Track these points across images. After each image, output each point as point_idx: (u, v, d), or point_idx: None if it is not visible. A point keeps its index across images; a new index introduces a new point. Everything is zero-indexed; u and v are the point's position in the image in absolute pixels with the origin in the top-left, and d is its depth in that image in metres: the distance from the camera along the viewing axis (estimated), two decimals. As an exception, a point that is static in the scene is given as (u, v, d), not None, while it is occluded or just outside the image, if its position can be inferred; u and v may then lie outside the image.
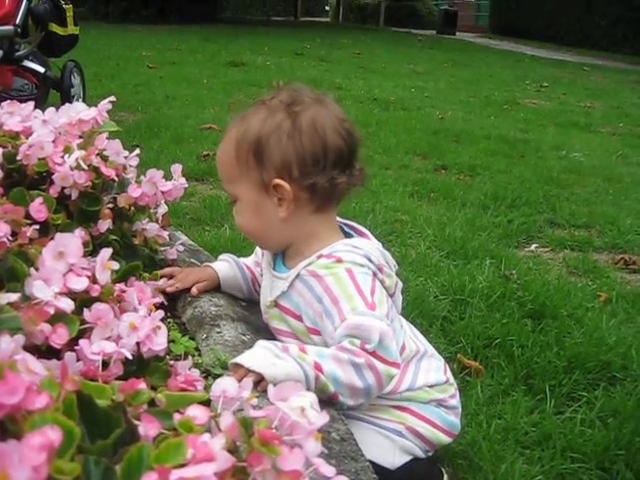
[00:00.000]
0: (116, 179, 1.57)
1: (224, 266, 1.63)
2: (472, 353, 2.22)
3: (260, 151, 1.33)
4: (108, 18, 21.10)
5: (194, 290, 1.57)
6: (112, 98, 1.71)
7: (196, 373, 1.17)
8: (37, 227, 1.33)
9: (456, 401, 1.55)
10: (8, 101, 1.64)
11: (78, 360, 1.02)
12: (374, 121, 6.32)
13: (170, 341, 1.23)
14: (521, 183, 4.43)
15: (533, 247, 3.40)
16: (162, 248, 1.72)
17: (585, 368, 2.16)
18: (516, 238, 3.44)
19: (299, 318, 1.38)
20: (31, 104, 1.65)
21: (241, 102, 6.89)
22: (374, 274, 1.34)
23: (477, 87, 10.02)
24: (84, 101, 6.22)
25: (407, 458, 1.44)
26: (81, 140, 1.58)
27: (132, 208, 1.57)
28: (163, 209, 1.77)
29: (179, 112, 6.21)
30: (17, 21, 5.34)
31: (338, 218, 1.48)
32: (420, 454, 1.47)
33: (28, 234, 1.29)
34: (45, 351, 1.00)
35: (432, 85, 9.87)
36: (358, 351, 1.22)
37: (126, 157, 1.62)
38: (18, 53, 5.64)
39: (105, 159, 1.56)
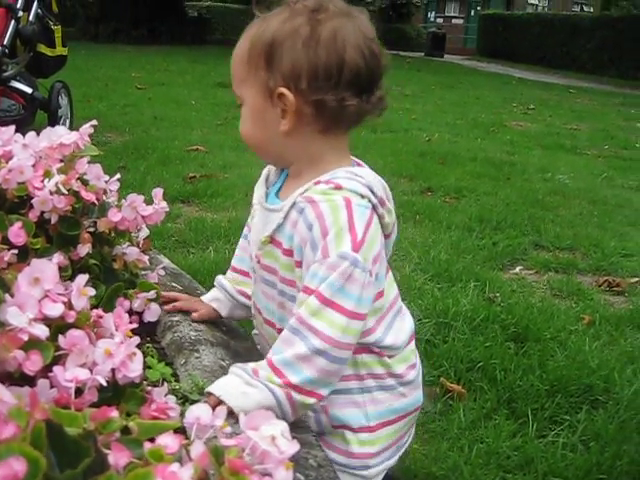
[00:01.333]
0: (96, 203, 1.57)
1: (220, 305, 1.58)
2: (455, 377, 2.22)
3: (271, 54, 1.21)
4: (98, 38, 21.19)
5: (195, 315, 1.55)
6: (94, 122, 1.71)
7: (172, 399, 1.16)
8: (16, 252, 1.33)
9: (416, 371, 1.38)
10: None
11: (52, 387, 1.01)
12: (361, 144, 6.34)
13: (147, 367, 1.22)
14: (506, 205, 4.46)
15: (517, 269, 3.42)
16: (143, 272, 1.71)
17: (568, 391, 2.17)
18: (501, 260, 3.45)
19: (290, 253, 1.26)
20: (12, 128, 1.64)
21: (229, 124, 6.93)
22: (374, 207, 1.22)
23: (464, 109, 10.09)
24: (71, 122, 6.24)
25: None
26: (62, 164, 1.58)
27: (112, 232, 1.57)
28: (144, 233, 1.76)
29: (166, 133, 6.23)
30: (5, 42, 5.36)
31: None
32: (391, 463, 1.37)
33: (6, 259, 1.28)
34: (18, 378, 1.00)
35: (420, 107, 9.94)
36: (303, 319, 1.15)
37: (107, 181, 1.61)
38: (5, 74, 5.65)
39: (85, 183, 1.55)
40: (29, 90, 5.78)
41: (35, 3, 5.75)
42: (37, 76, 6.13)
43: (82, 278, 1.14)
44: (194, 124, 6.89)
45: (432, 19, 43.00)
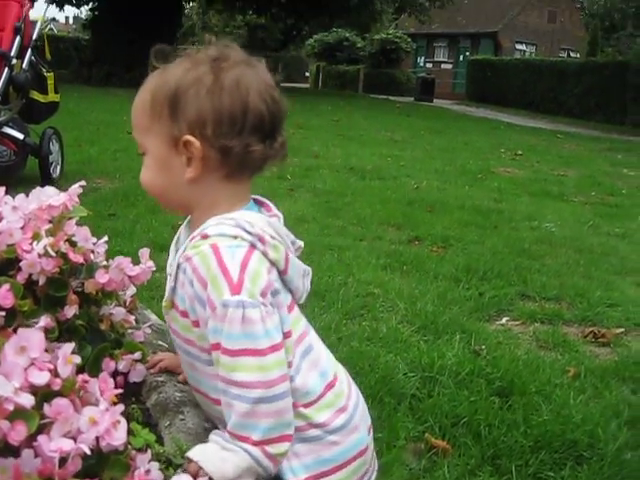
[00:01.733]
0: (84, 263, 1.59)
1: None
2: (440, 432, 2.23)
3: (176, 102, 1.22)
4: (91, 81, 21.39)
5: (181, 378, 1.52)
6: (82, 183, 1.73)
7: (156, 466, 1.18)
8: (3, 314, 1.34)
9: (347, 414, 1.29)
10: (-21, 188, 1.66)
11: (36, 456, 1.03)
12: (350, 191, 6.41)
13: (131, 433, 1.24)
14: (493, 255, 4.50)
15: (504, 320, 3.44)
16: (129, 330, 1.73)
17: (552, 447, 2.17)
18: (487, 311, 3.48)
19: (186, 314, 1.25)
20: (2, 189, 1.67)
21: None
22: (251, 245, 1.19)
23: (453, 155, 10.20)
24: (62, 168, 6.29)
25: None
26: (50, 225, 1.60)
27: (99, 293, 1.59)
28: (132, 290, 1.78)
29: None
30: (-2, 89, 5.42)
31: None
32: None
33: (-6, 321, 1.30)
34: (2, 448, 1.01)
35: (409, 153, 10.03)
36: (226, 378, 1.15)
37: (94, 243, 1.64)
38: (-2, 120, 5.71)
39: (74, 245, 1.58)
40: (21, 136, 5.83)
41: (29, 51, 5.83)
42: (29, 122, 6.18)
43: (68, 347, 1.16)
44: (184, 170, 6.93)
45: (421, 64, 43.58)
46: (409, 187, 7.09)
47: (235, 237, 1.19)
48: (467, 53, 40.21)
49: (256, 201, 1.35)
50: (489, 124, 18.05)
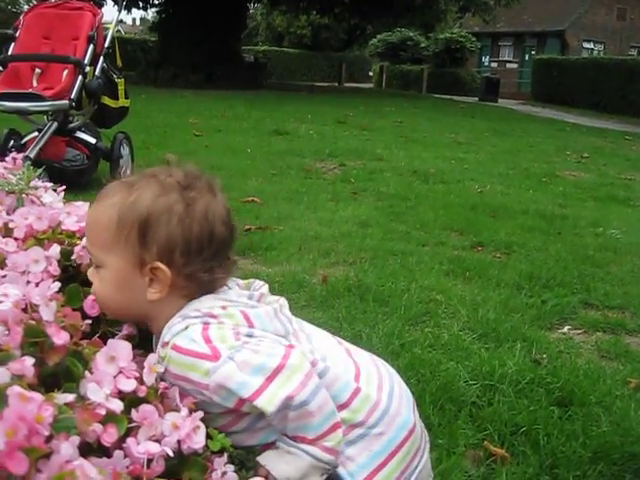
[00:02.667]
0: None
1: None
2: (499, 440, 2.27)
3: (146, 228, 1.27)
4: (157, 83, 21.78)
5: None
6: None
7: (231, 468, 1.27)
8: (90, 322, 1.45)
9: (382, 405, 1.34)
10: (68, 203, 1.78)
11: (125, 457, 1.13)
12: (413, 195, 6.44)
13: (208, 437, 1.33)
14: (556, 262, 4.48)
15: (566, 329, 3.44)
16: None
17: (611, 459, 2.19)
18: (549, 320, 3.48)
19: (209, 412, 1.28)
20: (86, 205, 1.79)
21: (283, 174, 7.11)
22: (204, 323, 1.25)
23: (517, 158, 10.12)
24: (132, 171, 6.47)
25: None
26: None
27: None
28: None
29: (223, 183, 6.34)
30: (72, 95, 5.62)
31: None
32: None
33: (82, 328, 1.41)
34: (96, 449, 1.11)
35: (472, 156, 9.99)
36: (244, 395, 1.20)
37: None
38: (71, 125, 5.94)
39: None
40: (93, 140, 6.06)
41: (101, 58, 6.03)
42: (100, 126, 6.40)
43: (153, 357, 1.26)
44: (249, 174, 7.07)
45: (486, 63, 43.22)
46: (472, 191, 7.09)
47: (186, 327, 1.25)
48: (533, 52, 39.71)
49: None
50: (554, 125, 17.82)
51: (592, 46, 42.11)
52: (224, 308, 1.29)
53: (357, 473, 1.31)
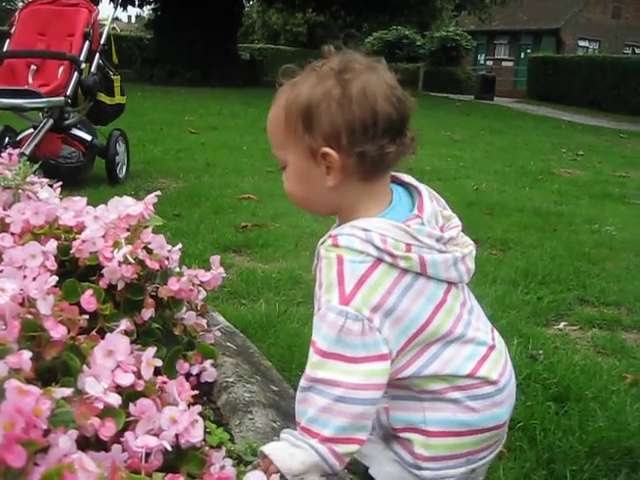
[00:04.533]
0: (160, 269, 1.70)
1: None
2: (496, 435, 2.27)
3: (309, 118, 1.29)
4: (153, 80, 21.75)
5: None
6: (158, 192, 1.84)
7: (229, 462, 1.27)
8: (87, 317, 1.45)
9: (493, 387, 1.36)
10: (65, 199, 1.78)
11: (123, 451, 1.13)
12: (409, 192, 6.43)
13: (206, 431, 1.33)
14: (552, 259, 4.49)
15: (562, 325, 3.45)
16: (201, 333, 1.83)
17: (607, 454, 2.19)
18: (545, 316, 3.49)
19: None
20: (84, 200, 1.79)
21: (279, 171, 7.08)
22: (378, 260, 1.25)
23: (513, 156, 10.13)
24: (127, 168, 6.47)
25: None
26: (128, 233, 1.71)
27: (169, 300, 1.69)
28: (202, 294, 1.89)
29: (219, 181, 6.40)
30: (68, 92, 5.63)
31: (399, 174, 1.42)
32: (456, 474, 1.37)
33: (80, 323, 1.41)
34: (94, 443, 1.11)
35: (468, 154, 9.99)
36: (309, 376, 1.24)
37: (169, 250, 1.74)
38: (67, 122, 5.92)
39: (150, 252, 1.68)
40: (89, 137, 6.05)
41: (97, 55, 6.03)
42: (96, 123, 6.39)
43: (151, 351, 1.26)
44: (245, 171, 7.06)
45: (482, 62, 43.21)
46: (468, 189, 7.09)
47: (361, 252, 1.25)
48: (528, 50, 39.70)
49: (408, 186, 1.42)
50: (550, 123, 17.82)
51: (587, 44, 42.10)
52: (409, 248, 1.26)
53: (430, 424, 1.33)
